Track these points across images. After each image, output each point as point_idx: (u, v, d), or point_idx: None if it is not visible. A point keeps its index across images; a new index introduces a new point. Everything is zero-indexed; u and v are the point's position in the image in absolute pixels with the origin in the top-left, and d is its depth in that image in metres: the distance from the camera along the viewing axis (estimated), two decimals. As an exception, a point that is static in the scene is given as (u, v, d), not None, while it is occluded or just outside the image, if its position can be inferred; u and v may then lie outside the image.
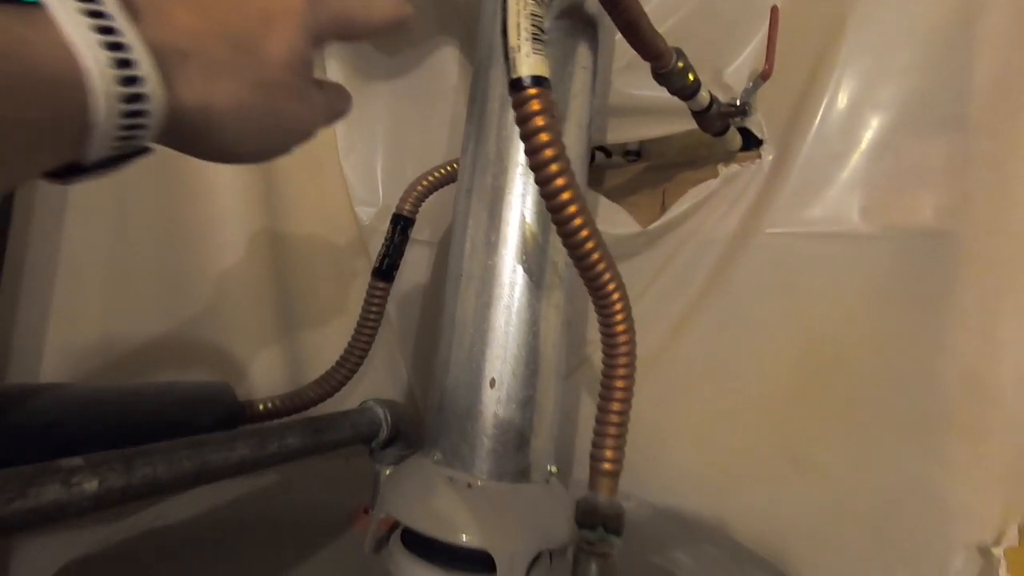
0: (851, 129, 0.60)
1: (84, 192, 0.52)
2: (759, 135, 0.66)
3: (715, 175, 0.68)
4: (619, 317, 0.36)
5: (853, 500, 0.55)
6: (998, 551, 0.48)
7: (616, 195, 0.81)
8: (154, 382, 0.46)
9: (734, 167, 0.67)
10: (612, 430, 0.37)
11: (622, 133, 0.74)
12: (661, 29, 0.68)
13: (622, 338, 0.37)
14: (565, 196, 0.32)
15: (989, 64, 0.54)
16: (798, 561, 0.56)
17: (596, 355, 0.75)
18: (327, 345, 0.65)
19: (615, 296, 0.36)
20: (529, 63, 0.31)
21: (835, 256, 0.60)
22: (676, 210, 0.68)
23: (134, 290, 0.57)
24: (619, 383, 0.37)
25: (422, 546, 0.41)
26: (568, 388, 0.67)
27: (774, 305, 0.63)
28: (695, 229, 0.69)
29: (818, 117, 0.61)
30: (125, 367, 0.53)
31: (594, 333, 0.74)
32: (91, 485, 0.28)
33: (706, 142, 0.70)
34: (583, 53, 0.46)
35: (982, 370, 0.51)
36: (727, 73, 0.67)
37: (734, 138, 0.67)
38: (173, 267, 0.59)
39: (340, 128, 0.73)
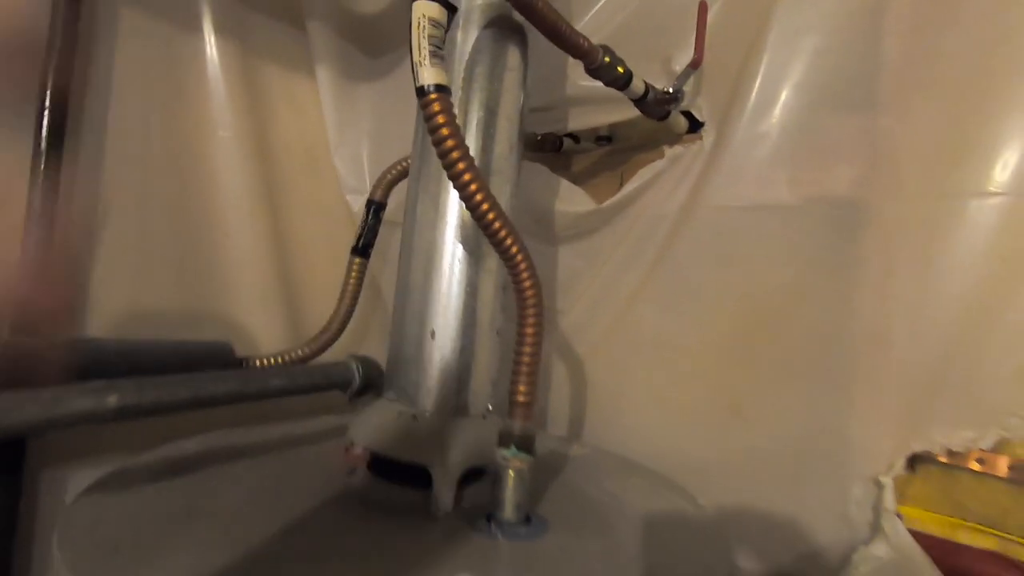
0: (777, 110, 0.65)
1: (115, 189, 0.63)
2: (700, 118, 0.73)
3: (662, 156, 0.75)
4: (525, 275, 0.45)
5: (775, 441, 0.62)
6: (887, 480, 0.54)
7: (582, 177, 0.89)
8: (168, 340, 0.57)
9: (678, 148, 0.74)
10: (524, 368, 0.46)
11: (594, 119, 0.82)
12: (610, 26, 0.76)
13: (529, 292, 0.45)
14: (466, 176, 0.41)
15: (893, 48, 0.59)
16: (729, 494, 0.64)
17: (562, 322, 0.83)
18: (324, 313, 0.74)
19: (519, 258, 0.44)
20: (429, 74, 0.39)
21: (766, 226, 0.66)
22: (628, 188, 0.75)
23: (156, 269, 0.68)
24: (529, 330, 0.45)
25: (382, 468, 0.50)
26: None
27: (714, 273, 0.69)
28: (646, 206, 0.76)
29: (750, 100, 0.67)
30: (148, 330, 0.64)
31: (561, 302, 0.83)
32: (112, 399, 0.38)
33: (663, 126, 0.77)
34: (512, 56, 0.54)
35: (880, 325, 0.57)
36: (676, 61, 0.74)
37: (678, 121, 0.73)
38: (188, 250, 0.70)
39: (330, 125, 0.82)
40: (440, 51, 0.39)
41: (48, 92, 0.56)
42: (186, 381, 0.43)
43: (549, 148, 0.86)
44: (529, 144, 0.86)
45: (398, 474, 0.49)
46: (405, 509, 0.47)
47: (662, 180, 0.75)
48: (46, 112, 0.56)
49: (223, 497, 0.45)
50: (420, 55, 0.39)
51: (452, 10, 0.40)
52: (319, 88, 0.81)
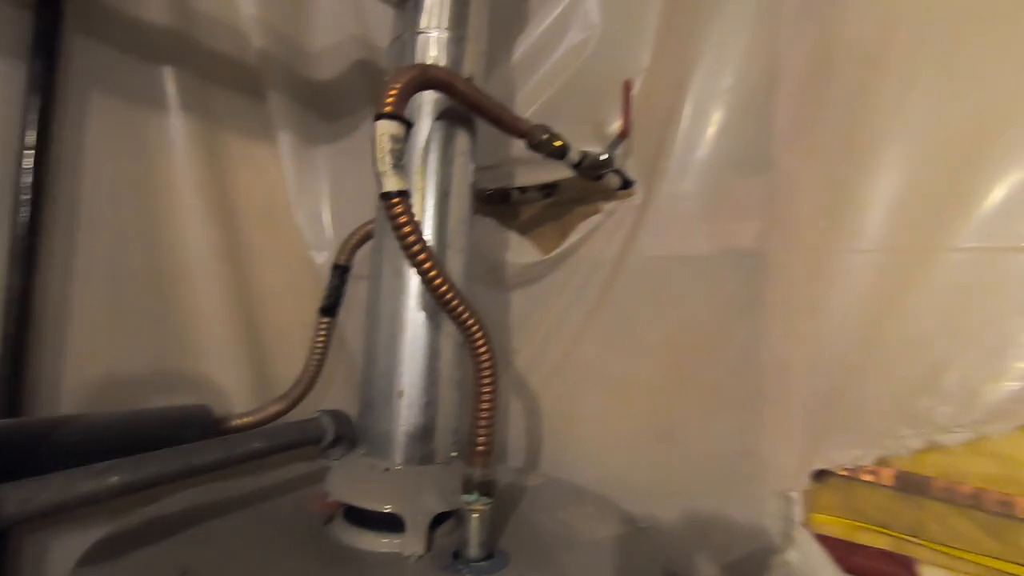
0: (693, 172, 0.75)
1: (88, 264, 0.67)
2: (631, 178, 0.82)
3: (599, 210, 0.84)
4: (480, 343, 0.52)
5: (699, 462, 0.71)
6: (795, 495, 0.64)
7: (529, 226, 0.97)
8: (150, 408, 0.60)
9: (613, 204, 0.83)
10: (483, 422, 0.53)
11: (537, 176, 0.90)
12: (548, 93, 0.84)
13: (484, 358, 0.52)
14: (426, 265, 0.48)
15: (784, 119, 0.70)
16: (661, 511, 0.72)
17: (517, 360, 0.90)
18: (291, 364, 0.79)
19: (474, 328, 0.51)
20: (391, 182, 0.46)
21: (689, 273, 0.75)
22: (570, 240, 0.84)
23: (130, 335, 0.71)
24: (485, 389, 0.52)
25: (357, 517, 0.56)
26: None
27: (646, 314, 0.78)
28: (586, 255, 0.84)
29: (670, 163, 0.77)
30: (126, 396, 0.67)
31: (515, 341, 0.90)
32: (114, 479, 0.43)
33: (600, 183, 0.85)
34: (461, 141, 0.61)
35: (784, 358, 0.66)
36: (607, 124, 0.83)
37: (612, 180, 0.83)
38: (160, 313, 0.74)
39: (291, 186, 0.87)
40: (400, 162, 0.46)
41: (24, 178, 0.60)
42: (177, 454, 0.48)
43: (498, 200, 0.94)
44: (480, 198, 0.94)
45: (373, 522, 0.55)
46: (380, 553, 0.53)
47: (599, 232, 0.83)
48: (22, 197, 0.60)
49: (211, 555, 0.50)
50: (383, 166, 0.46)
51: (409, 126, 0.47)
52: (279, 152, 0.86)
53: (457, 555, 0.52)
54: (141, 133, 0.71)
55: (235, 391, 0.77)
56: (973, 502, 0.59)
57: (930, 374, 0.58)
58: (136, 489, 0.44)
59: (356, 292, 0.80)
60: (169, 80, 0.73)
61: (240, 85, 0.81)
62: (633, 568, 0.54)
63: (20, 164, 0.60)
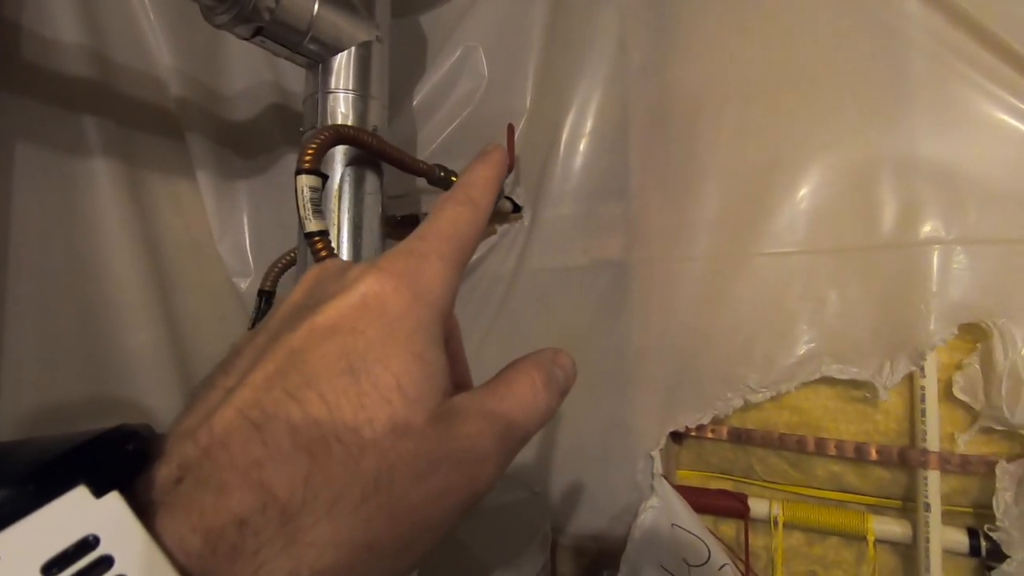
0: (569, 198, 0.91)
1: (16, 302, 0.71)
2: (520, 203, 0.97)
3: (495, 232, 0.98)
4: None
5: (583, 437, 0.87)
6: (655, 453, 0.80)
7: (438, 246, 1.09)
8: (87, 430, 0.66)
9: (506, 226, 0.97)
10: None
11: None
12: (444, 134, 0.97)
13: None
14: (345, 289, 0.59)
15: (635, 156, 0.87)
16: (555, 481, 0.87)
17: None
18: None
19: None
20: (312, 224, 0.57)
21: (569, 282, 0.91)
22: (472, 258, 0.97)
23: (62, 366, 0.76)
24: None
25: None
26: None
27: (538, 318, 0.93)
28: (486, 271, 0.98)
29: (551, 190, 0.92)
30: (63, 425, 0.72)
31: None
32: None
33: (495, 209, 0.99)
34: (370, 182, 0.73)
35: (644, 345, 0.83)
36: (498, 158, 0.97)
37: (504, 205, 0.97)
38: (90, 343, 0.79)
39: (212, 219, 0.94)
40: (319, 207, 0.57)
41: (-45, 228, 0.65)
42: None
43: (408, 225, 1.06)
44: (391, 224, 1.05)
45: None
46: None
47: (496, 250, 0.97)
48: (-44, 246, 0.64)
49: None
50: (305, 212, 0.57)
51: (325, 178, 0.59)
52: (200, 188, 0.93)
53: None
54: (65, 177, 0.76)
55: (168, 413, 0.83)
56: (780, 444, 0.78)
57: (743, 350, 0.76)
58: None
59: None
60: (90, 127, 0.78)
61: (159, 128, 0.87)
62: (524, 524, 0.68)
63: (-49, 213, 0.65)
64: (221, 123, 0.94)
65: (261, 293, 0.82)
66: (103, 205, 0.80)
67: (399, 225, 1.05)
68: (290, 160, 0.99)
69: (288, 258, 0.82)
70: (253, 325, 0.81)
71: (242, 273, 0.96)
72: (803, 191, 0.75)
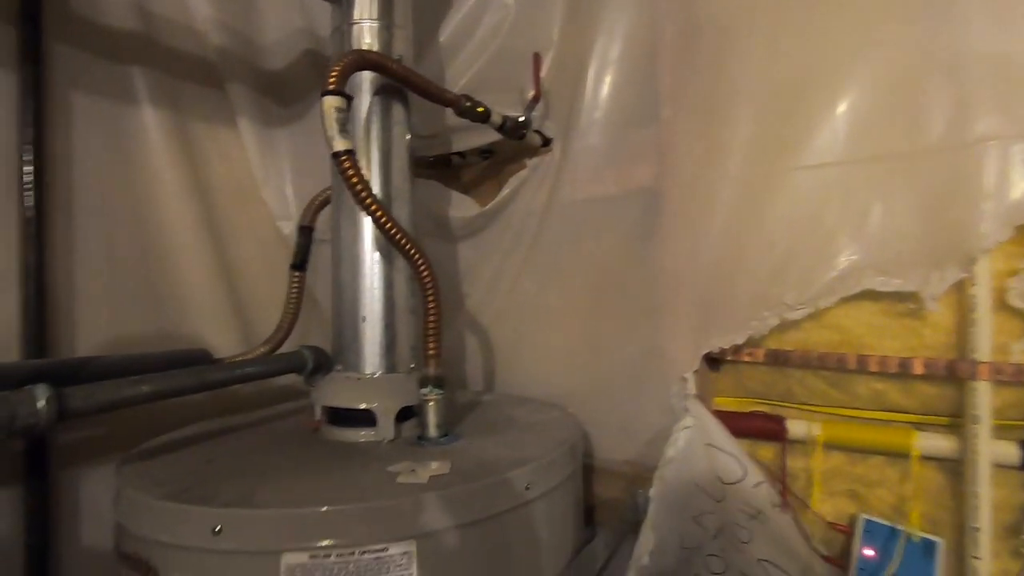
0: (599, 128, 0.90)
1: (86, 241, 0.78)
2: (550, 136, 0.96)
3: (525, 167, 0.98)
4: (423, 268, 0.66)
5: (622, 366, 0.87)
6: (689, 376, 0.80)
7: (471, 185, 1.11)
8: (159, 351, 0.73)
9: (536, 159, 0.97)
10: (431, 331, 0.67)
11: (472, 141, 1.03)
12: (474, 67, 0.97)
13: (427, 279, 0.66)
14: (375, 208, 0.61)
15: (665, 81, 0.85)
16: (597, 409, 0.88)
17: (467, 303, 1.05)
18: (268, 320, 0.91)
19: (417, 256, 0.65)
20: (339, 143, 0.59)
21: (601, 212, 0.90)
22: (502, 194, 0.98)
23: (126, 303, 0.82)
24: (431, 304, 0.67)
25: (340, 419, 0.69)
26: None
27: (570, 250, 0.93)
28: (518, 206, 0.99)
29: (580, 121, 0.91)
30: (130, 350, 0.79)
31: (465, 287, 1.04)
32: (145, 388, 0.56)
33: (525, 143, 0.99)
34: (397, 113, 0.74)
35: (676, 270, 0.82)
36: (527, 91, 0.96)
37: (534, 139, 0.96)
38: (150, 282, 0.85)
39: (255, 166, 0.99)
40: (345, 126, 0.59)
41: (26, 170, 0.71)
42: (190, 372, 0.61)
43: (440, 165, 1.07)
44: (424, 165, 1.07)
45: (352, 421, 0.69)
46: (360, 443, 0.67)
47: (527, 185, 0.98)
48: (26, 188, 0.71)
49: (228, 451, 0.63)
50: (332, 131, 0.59)
51: (349, 99, 0.60)
52: (242, 136, 0.97)
53: (420, 437, 0.67)
54: (119, 126, 0.82)
55: (220, 344, 0.89)
56: (820, 363, 0.76)
57: (780, 268, 0.74)
58: (161, 396, 0.57)
59: (319, 254, 0.93)
60: (139, 78, 0.83)
61: (201, 78, 0.92)
62: (560, 431, 0.70)
63: (21, 158, 0.71)
64: (259, 72, 0.98)
65: (301, 229, 0.85)
66: (155, 153, 0.86)
67: (432, 165, 1.07)
68: (325, 107, 1.03)
69: (325, 195, 0.85)
70: (296, 258, 0.85)
71: (285, 216, 1.01)
72: (843, 99, 0.72)
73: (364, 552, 0.46)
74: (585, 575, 0.65)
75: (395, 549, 0.47)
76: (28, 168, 0.71)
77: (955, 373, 0.68)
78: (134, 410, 0.74)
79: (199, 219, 0.90)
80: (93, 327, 0.77)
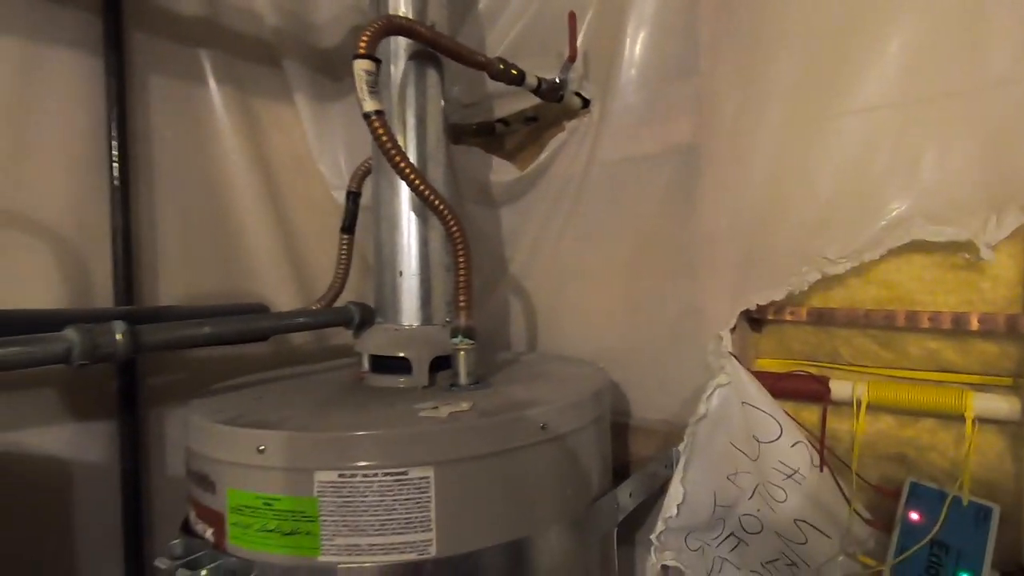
0: (637, 85, 0.89)
1: (164, 208, 0.87)
2: (588, 97, 0.96)
3: (563, 129, 0.98)
4: (453, 225, 0.69)
5: (660, 326, 0.87)
6: (725, 333, 0.78)
7: (514, 152, 1.13)
8: (224, 303, 0.81)
9: (575, 122, 0.97)
10: (462, 284, 0.70)
11: (512, 106, 1.05)
12: (513, 32, 0.98)
13: (457, 235, 0.69)
14: (406, 168, 0.65)
15: (704, 32, 0.82)
16: (635, 368, 0.88)
17: (511, 267, 1.07)
18: (322, 281, 0.99)
19: (448, 215, 0.68)
20: (369, 104, 0.63)
21: (639, 171, 0.90)
22: (541, 158, 0.99)
23: (199, 263, 0.92)
24: (461, 259, 0.70)
25: (380, 367, 0.75)
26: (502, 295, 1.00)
27: (609, 211, 0.93)
28: (558, 169, 1.00)
29: (619, 80, 0.90)
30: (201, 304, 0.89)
31: (508, 251, 1.07)
32: (206, 330, 0.63)
33: (564, 105, 0.99)
34: (431, 78, 0.77)
35: (714, 226, 0.81)
36: (565, 53, 0.96)
37: (573, 101, 0.97)
38: (220, 245, 0.94)
39: (311, 139, 1.06)
40: (375, 88, 0.63)
41: (113, 143, 0.80)
42: (245, 319, 0.68)
43: (483, 132, 1.10)
44: (469, 133, 1.10)
45: (391, 368, 0.74)
46: (398, 388, 0.72)
47: (566, 147, 0.98)
48: (113, 161, 0.80)
49: (279, 391, 0.70)
50: (362, 93, 0.63)
51: (378, 62, 0.64)
52: (298, 111, 1.04)
53: (452, 385, 0.71)
54: (189, 103, 0.91)
55: (282, 305, 0.97)
56: (867, 321, 0.73)
57: (821, 220, 0.71)
58: (218, 338, 0.64)
59: (368, 219, 0.99)
60: (206, 59, 0.92)
61: (261, 58, 0.99)
62: (581, 384, 0.71)
63: (110, 133, 0.80)
64: (312, 49, 1.04)
65: (349, 194, 0.91)
66: (221, 128, 0.94)
67: (475, 133, 1.09)
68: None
69: (370, 162, 0.90)
70: (345, 222, 0.91)
71: (339, 186, 1.07)
72: (895, 37, 0.67)
73: (386, 474, 0.51)
74: (606, 519, 0.67)
75: (414, 473, 0.51)
76: (114, 143, 0.80)
77: (1016, 329, 0.63)
78: (207, 360, 0.84)
79: (261, 188, 0.98)
80: (172, 283, 0.87)
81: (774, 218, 0.75)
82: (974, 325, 0.65)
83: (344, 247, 0.91)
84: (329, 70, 1.07)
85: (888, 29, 0.67)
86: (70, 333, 0.52)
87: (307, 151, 1.06)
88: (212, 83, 0.92)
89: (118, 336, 0.54)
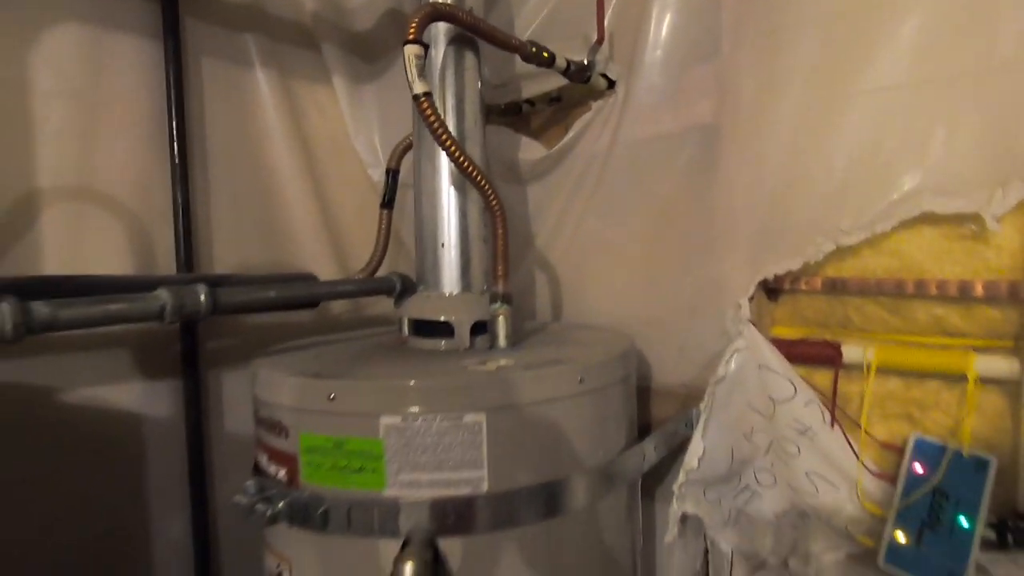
0: (660, 66, 0.93)
1: (217, 184, 0.94)
2: (613, 78, 1.00)
3: (589, 108, 1.03)
4: (493, 198, 0.74)
5: (678, 296, 0.92)
6: (743, 302, 0.84)
7: (540, 131, 1.17)
8: (277, 273, 0.88)
9: (600, 102, 1.02)
10: (500, 254, 0.76)
11: (539, 87, 1.09)
12: (540, 14, 1.02)
13: (496, 208, 0.75)
14: (452, 146, 0.70)
15: (727, 14, 0.86)
16: (655, 336, 0.94)
17: (536, 242, 1.13)
18: (359, 255, 1.05)
19: (488, 188, 0.74)
20: (419, 86, 0.68)
21: (660, 149, 0.94)
22: (568, 137, 1.04)
23: (247, 236, 0.98)
24: (499, 230, 0.76)
25: (423, 331, 0.81)
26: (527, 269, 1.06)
27: (632, 189, 0.98)
28: (583, 148, 1.04)
29: (643, 62, 0.94)
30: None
31: (534, 226, 1.12)
32: (272, 293, 0.69)
33: (590, 86, 1.04)
34: (469, 60, 0.82)
35: (733, 200, 0.86)
36: (592, 36, 1.01)
37: (599, 82, 1.01)
38: (266, 220, 1.01)
39: (348, 119, 1.11)
40: (423, 72, 0.68)
41: (172, 123, 0.86)
42: (306, 285, 0.74)
43: (512, 113, 1.15)
44: (496, 113, 1.15)
45: (433, 331, 0.80)
46: (440, 351, 0.78)
47: (591, 127, 1.03)
48: (175, 139, 0.86)
49: (334, 351, 0.77)
50: (412, 75, 0.68)
51: (426, 47, 0.69)
52: (336, 93, 1.10)
53: (491, 347, 0.77)
54: (237, 86, 0.96)
55: (323, 277, 1.03)
56: (878, 289, 0.78)
57: (837, 194, 0.76)
58: (284, 301, 0.71)
59: (402, 198, 1.04)
60: (251, 43, 0.97)
61: (300, 41, 1.04)
62: (610, 346, 0.77)
63: (170, 114, 0.86)
64: (348, 33, 1.09)
65: (388, 171, 0.97)
66: (265, 109, 1.00)
67: (503, 113, 1.14)
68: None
69: (408, 141, 0.96)
70: (384, 197, 0.97)
71: (374, 164, 1.13)
72: (910, 19, 0.71)
73: (444, 419, 0.57)
74: (632, 468, 0.73)
75: (468, 418, 0.58)
76: (174, 124, 0.86)
77: (1018, 295, 0.68)
78: (256, 327, 0.91)
79: (302, 166, 1.04)
80: (225, 254, 0.94)
81: (791, 192, 0.80)
82: (979, 292, 0.70)
83: (383, 222, 0.97)
84: (363, 53, 1.12)
85: (901, 14, 0.71)
86: (162, 293, 0.58)
87: (343, 131, 1.11)
88: (257, 67, 0.98)
89: (202, 297, 0.61)
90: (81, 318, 0.51)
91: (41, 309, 0.48)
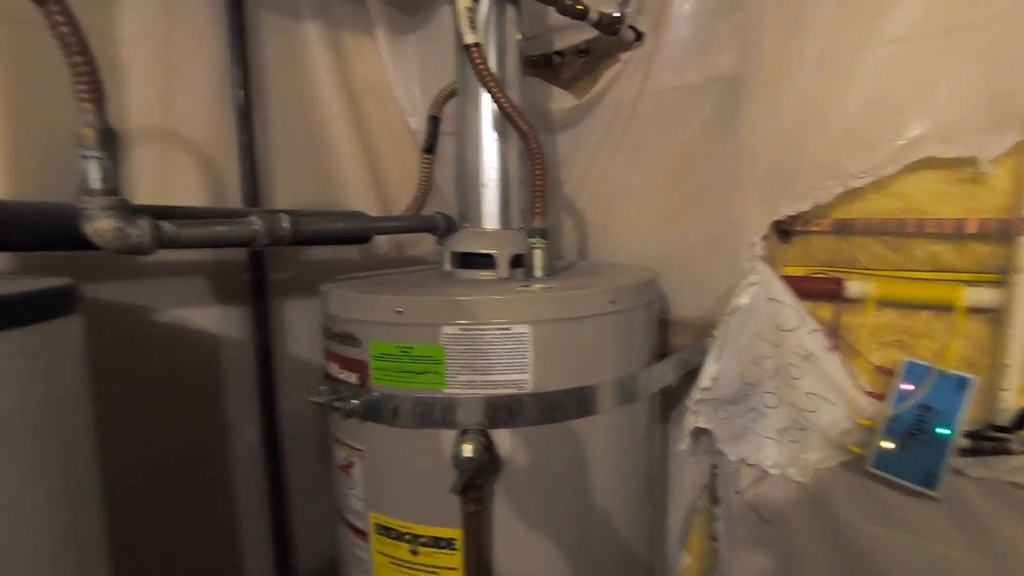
0: (687, 19, 0.98)
1: (275, 137, 1.02)
2: (642, 31, 1.06)
3: (618, 60, 1.09)
4: (532, 142, 0.82)
5: (697, 235, 1.01)
6: (756, 240, 0.92)
7: (569, 82, 1.23)
8: (335, 210, 0.97)
9: (629, 53, 1.08)
10: (538, 193, 0.84)
11: (570, 39, 1.15)
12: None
13: (536, 151, 0.83)
14: (497, 92, 0.78)
15: (753, -33, 0.91)
16: (674, 272, 1.03)
17: (565, 188, 1.21)
18: (400, 197, 1.14)
19: (528, 132, 0.81)
20: (470, 37, 0.75)
21: (684, 99, 1.01)
22: (597, 87, 1.10)
23: (298, 178, 1.07)
24: (538, 171, 0.84)
25: (467, 263, 0.90)
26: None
27: (656, 137, 1.05)
28: (612, 98, 1.11)
29: (670, 14, 1.00)
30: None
31: (563, 173, 1.20)
32: (339, 224, 0.79)
33: (619, 38, 1.10)
34: (510, 13, 0.88)
35: (752, 147, 0.93)
36: (623, -9, 1.06)
37: (627, 34, 1.07)
38: (316, 164, 1.09)
39: (390, 69, 1.18)
40: (474, 24, 0.75)
41: (236, 73, 0.94)
42: (367, 219, 0.84)
43: (543, 65, 1.20)
44: (528, 64, 1.20)
45: (476, 264, 0.89)
46: (482, 280, 0.87)
47: (620, 78, 1.09)
48: (241, 85, 0.94)
49: (390, 279, 0.87)
50: (464, 27, 0.75)
51: (476, 0, 0.76)
52: (378, 44, 1.16)
53: (527, 277, 0.86)
54: (291, 37, 1.03)
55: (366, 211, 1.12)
56: (881, 228, 0.86)
57: (847, 141, 0.83)
58: (349, 232, 0.80)
59: (442, 144, 1.12)
60: (302, -1, 1.04)
61: (347, -6, 1.10)
62: (635, 276, 0.86)
63: (234, 62, 0.94)
64: (390, -14, 1.15)
65: (430, 118, 1.04)
66: (316, 59, 1.07)
67: (535, 64, 1.20)
68: (443, 15, 1.18)
69: (450, 88, 1.03)
70: (426, 143, 1.05)
71: (413, 112, 1.20)
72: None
73: (496, 328, 0.67)
74: (653, 382, 0.83)
75: (516, 329, 0.68)
76: (238, 71, 0.94)
77: (1007, 231, 0.75)
78: (312, 262, 1.01)
79: (348, 113, 1.12)
80: (284, 193, 1.03)
81: (805, 139, 0.87)
82: (972, 228, 0.78)
83: (425, 166, 1.05)
84: (405, 5, 1.18)
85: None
86: (255, 220, 0.68)
87: (385, 81, 1.18)
88: (308, 19, 1.04)
89: (286, 224, 0.70)
90: (197, 237, 0.61)
91: (168, 228, 0.58)
